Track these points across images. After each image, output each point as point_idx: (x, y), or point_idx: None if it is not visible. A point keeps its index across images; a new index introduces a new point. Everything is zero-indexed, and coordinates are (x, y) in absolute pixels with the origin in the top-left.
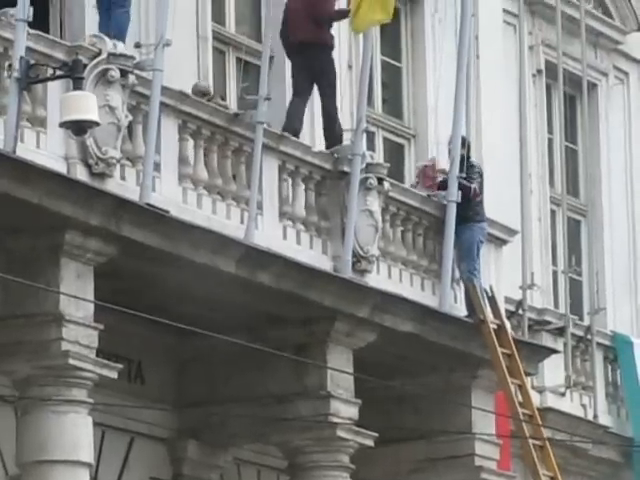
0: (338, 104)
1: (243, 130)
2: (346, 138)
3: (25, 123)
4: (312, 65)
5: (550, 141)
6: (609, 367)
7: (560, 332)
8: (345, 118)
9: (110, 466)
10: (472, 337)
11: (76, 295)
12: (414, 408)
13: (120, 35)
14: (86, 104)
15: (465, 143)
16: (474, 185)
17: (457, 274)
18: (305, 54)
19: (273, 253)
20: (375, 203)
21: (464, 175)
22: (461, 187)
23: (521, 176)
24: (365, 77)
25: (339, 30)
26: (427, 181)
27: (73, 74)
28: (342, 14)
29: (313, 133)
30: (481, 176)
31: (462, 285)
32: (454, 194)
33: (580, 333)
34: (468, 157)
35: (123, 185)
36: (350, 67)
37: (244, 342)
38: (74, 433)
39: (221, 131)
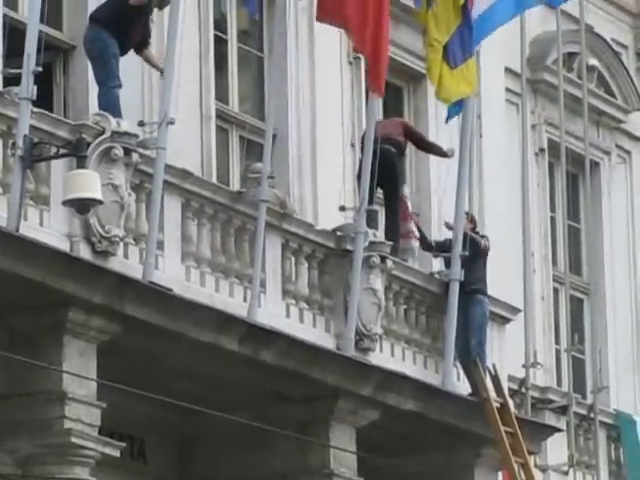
0: (340, 183)
1: (246, 208)
2: (348, 216)
3: (29, 201)
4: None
5: (553, 220)
6: (612, 446)
7: (563, 411)
8: (348, 196)
9: None
10: (475, 415)
11: (79, 373)
12: None
13: (111, 113)
14: (89, 182)
15: (468, 216)
16: (484, 241)
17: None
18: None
19: (276, 331)
20: (378, 281)
21: (475, 236)
22: (471, 241)
23: (524, 255)
24: (368, 156)
25: (342, 107)
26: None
27: (77, 152)
28: (439, 152)
29: (316, 211)
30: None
31: (459, 363)
32: (457, 272)
33: (583, 412)
34: (477, 232)
35: (126, 263)
36: (353, 145)
37: (247, 420)
38: None
39: (224, 209)
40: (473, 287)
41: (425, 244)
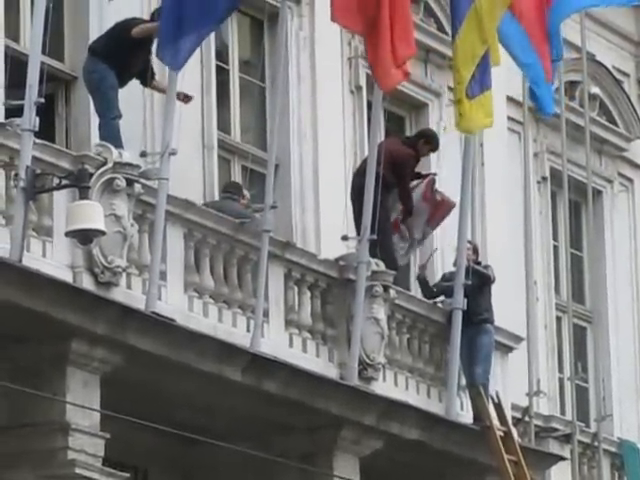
0: (343, 212)
1: (249, 238)
2: (351, 246)
3: (31, 232)
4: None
5: (555, 248)
6: (616, 474)
7: (567, 439)
8: (350, 226)
9: None
10: (479, 444)
11: (82, 404)
12: None
13: (112, 144)
14: (92, 213)
15: (472, 246)
16: (490, 271)
17: (463, 380)
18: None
19: (279, 361)
20: (381, 311)
21: (478, 268)
22: (479, 274)
23: (527, 283)
24: (370, 186)
25: (344, 137)
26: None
27: (79, 183)
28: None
29: (319, 241)
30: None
31: (467, 391)
32: (460, 301)
33: (587, 440)
34: (479, 262)
35: (129, 294)
36: None
37: (250, 451)
38: None
39: (227, 239)
40: (481, 317)
41: (427, 291)
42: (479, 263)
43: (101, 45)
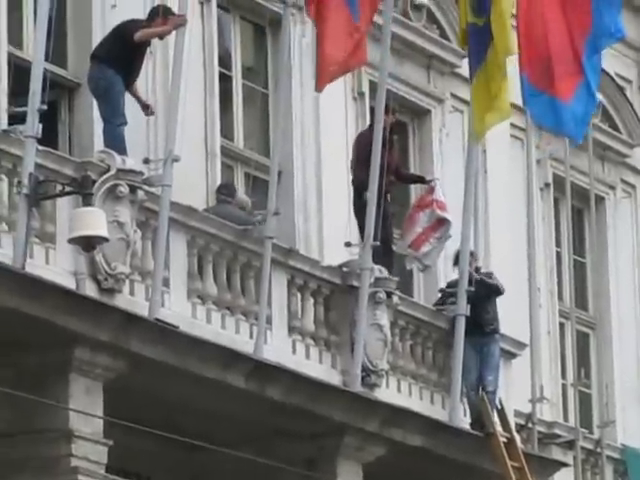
0: (346, 219)
1: (252, 245)
2: (354, 252)
3: (34, 239)
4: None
5: (558, 254)
6: None
7: (570, 445)
8: (353, 232)
9: None
10: (482, 451)
11: (85, 411)
12: None
13: (116, 150)
14: (95, 220)
15: (473, 255)
16: (495, 280)
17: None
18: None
19: (282, 368)
20: (384, 317)
21: (481, 277)
22: (488, 285)
23: (530, 290)
24: (373, 193)
25: (347, 143)
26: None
27: (82, 190)
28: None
29: (321, 247)
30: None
31: (467, 398)
32: (463, 307)
33: (590, 446)
34: (477, 268)
35: (132, 300)
36: None
37: (254, 457)
38: None
39: (230, 246)
40: (492, 327)
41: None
42: (478, 269)
43: (105, 51)
